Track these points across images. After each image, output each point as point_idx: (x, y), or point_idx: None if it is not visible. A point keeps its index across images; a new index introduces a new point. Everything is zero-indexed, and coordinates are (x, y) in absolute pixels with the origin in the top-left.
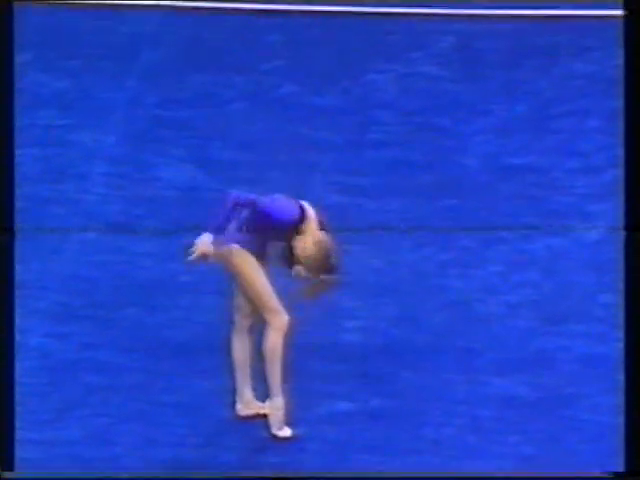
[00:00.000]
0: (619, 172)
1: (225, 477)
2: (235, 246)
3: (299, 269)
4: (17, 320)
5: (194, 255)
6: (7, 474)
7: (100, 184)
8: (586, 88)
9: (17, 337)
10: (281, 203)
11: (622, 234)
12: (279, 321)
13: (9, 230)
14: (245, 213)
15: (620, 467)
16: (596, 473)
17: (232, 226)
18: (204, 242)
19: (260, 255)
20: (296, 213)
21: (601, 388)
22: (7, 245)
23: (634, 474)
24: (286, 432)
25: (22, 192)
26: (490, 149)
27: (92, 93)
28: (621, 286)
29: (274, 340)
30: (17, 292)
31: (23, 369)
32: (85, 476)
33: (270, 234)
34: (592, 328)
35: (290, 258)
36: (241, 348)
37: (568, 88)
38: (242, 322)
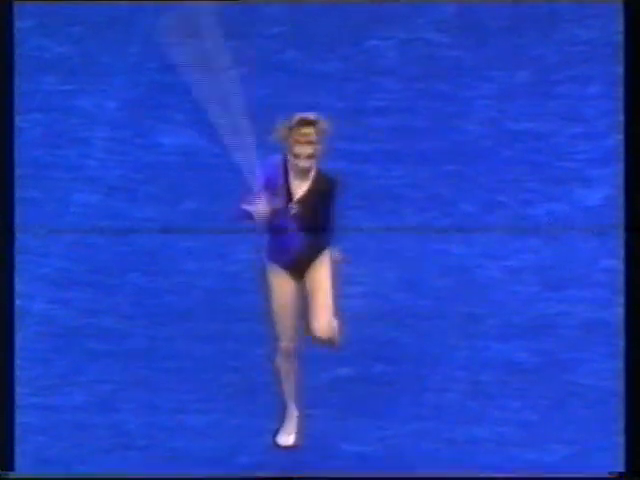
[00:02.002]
0: (621, 138)
1: (225, 477)
2: (268, 263)
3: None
4: (21, 286)
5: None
6: (7, 474)
7: (101, 149)
8: (587, 54)
9: (21, 303)
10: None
11: (622, 199)
12: (280, 344)
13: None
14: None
15: (620, 465)
16: (596, 473)
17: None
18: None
19: (292, 264)
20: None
21: (602, 353)
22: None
23: (634, 474)
24: (288, 441)
25: (24, 157)
26: (492, 115)
27: (94, 59)
28: (622, 252)
29: (276, 360)
30: (20, 258)
31: (27, 335)
32: (85, 476)
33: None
34: (593, 293)
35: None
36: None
37: (569, 54)
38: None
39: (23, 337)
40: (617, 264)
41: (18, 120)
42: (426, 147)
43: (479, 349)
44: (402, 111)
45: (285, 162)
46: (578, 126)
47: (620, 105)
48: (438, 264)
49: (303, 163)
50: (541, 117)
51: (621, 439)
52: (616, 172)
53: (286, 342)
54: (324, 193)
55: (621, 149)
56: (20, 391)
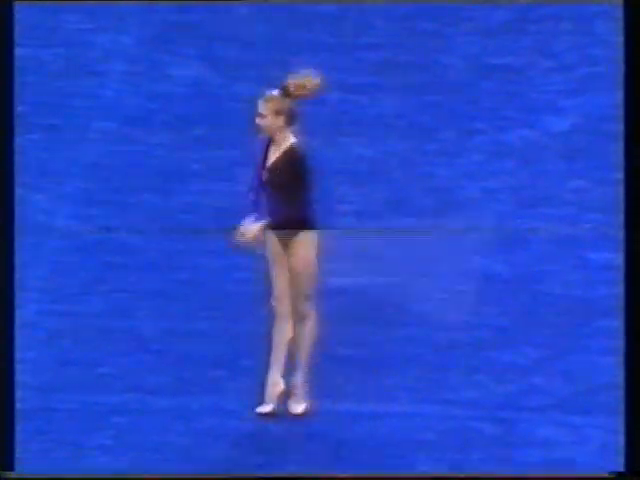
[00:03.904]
0: (590, 70)
1: (225, 477)
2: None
3: None
4: (45, 204)
5: (241, 242)
6: (7, 474)
7: (118, 81)
8: None
9: (45, 219)
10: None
11: (592, 126)
12: (275, 308)
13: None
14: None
15: (620, 466)
16: (596, 473)
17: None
18: (248, 229)
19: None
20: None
21: (571, 265)
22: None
23: (634, 474)
24: (265, 409)
25: (48, 87)
26: (472, 51)
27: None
28: (589, 173)
29: (274, 327)
30: (45, 179)
31: (51, 248)
32: (84, 477)
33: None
34: (562, 211)
35: None
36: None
37: None
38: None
39: (48, 250)
40: (584, 184)
41: (43, 54)
42: (413, 80)
43: (458, 261)
44: (391, 47)
45: (269, 138)
46: (550, 60)
47: (590, 39)
48: (422, 185)
49: (262, 134)
50: (516, 52)
51: (587, 342)
52: (583, 102)
53: (279, 305)
54: (292, 165)
55: (592, 79)
56: (44, 299)
